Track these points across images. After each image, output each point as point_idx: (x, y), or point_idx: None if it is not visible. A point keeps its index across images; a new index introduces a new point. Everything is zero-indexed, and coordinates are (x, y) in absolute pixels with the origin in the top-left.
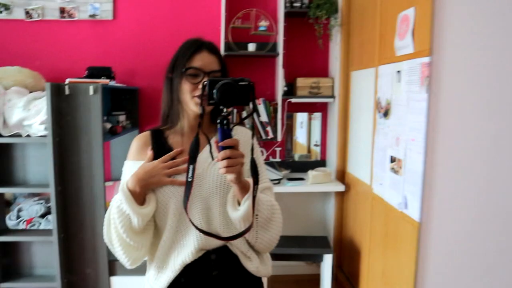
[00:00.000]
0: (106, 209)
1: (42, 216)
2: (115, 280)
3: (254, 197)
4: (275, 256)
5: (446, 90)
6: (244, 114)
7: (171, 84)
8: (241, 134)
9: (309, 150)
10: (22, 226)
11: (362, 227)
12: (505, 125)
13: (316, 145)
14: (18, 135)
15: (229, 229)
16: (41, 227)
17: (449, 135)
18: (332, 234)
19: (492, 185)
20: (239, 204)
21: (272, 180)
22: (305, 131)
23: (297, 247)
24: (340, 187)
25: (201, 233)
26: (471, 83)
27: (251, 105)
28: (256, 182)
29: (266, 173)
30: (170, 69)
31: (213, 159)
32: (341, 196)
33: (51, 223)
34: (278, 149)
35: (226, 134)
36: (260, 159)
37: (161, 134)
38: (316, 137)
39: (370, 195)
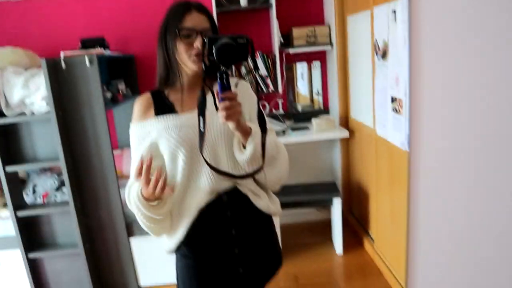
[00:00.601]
0: (117, 176)
1: (57, 189)
2: (135, 241)
3: (263, 144)
4: (287, 205)
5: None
6: (243, 70)
7: (166, 47)
8: (241, 87)
9: (311, 100)
10: (39, 200)
11: (368, 170)
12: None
13: (317, 94)
14: (22, 114)
15: (237, 171)
16: (57, 199)
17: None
18: (340, 179)
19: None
20: (244, 147)
21: (276, 131)
22: (306, 82)
23: (307, 194)
24: (345, 133)
25: (211, 176)
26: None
27: (250, 61)
28: (264, 131)
29: (266, 117)
30: (162, 33)
31: (217, 109)
32: (346, 142)
33: (66, 194)
34: (280, 101)
35: (225, 87)
36: (255, 105)
37: (161, 93)
38: (317, 86)
39: (374, 137)
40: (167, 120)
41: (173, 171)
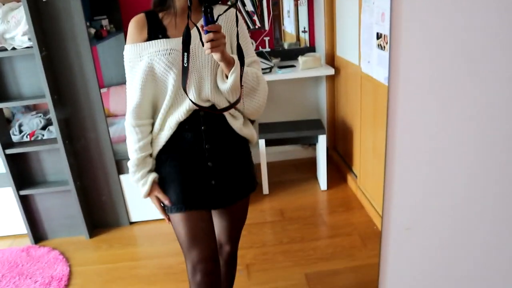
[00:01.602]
0: (105, 114)
1: (43, 128)
2: (124, 178)
3: (241, 77)
4: (273, 142)
5: None
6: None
7: None
8: (226, 15)
9: (298, 38)
10: (26, 139)
11: (353, 107)
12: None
13: (304, 32)
14: (3, 50)
15: (219, 98)
16: (44, 138)
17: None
18: (325, 116)
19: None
20: (227, 77)
21: (263, 69)
22: (292, 19)
23: (293, 131)
24: (330, 71)
25: (194, 97)
26: None
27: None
28: (242, 64)
29: (252, 48)
30: None
31: (203, 44)
32: (332, 80)
33: (53, 133)
34: (266, 38)
35: (209, 21)
36: (245, 35)
37: (156, 15)
38: (304, 23)
39: (359, 74)
40: (158, 44)
41: (161, 92)
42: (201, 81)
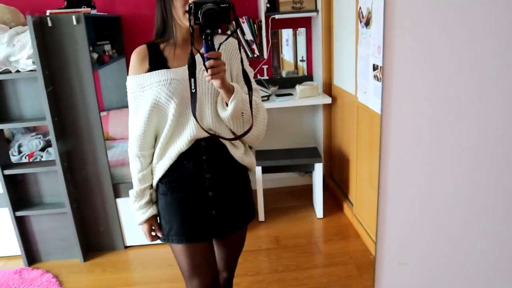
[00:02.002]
0: (104, 138)
1: (42, 149)
2: (121, 201)
3: (250, 101)
4: (269, 169)
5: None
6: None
7: (164, 2)
8: (228, 45)
9: (296, 66)
10: (24, 160)
11: (350, 135)
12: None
13: (302, 61)
14: (7, 72)
15: (219, 125)
16: (43, 159)
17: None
18: (322, 144)
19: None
20: (227, 105)
21: (261, 97)
22: (291, 48)
23: (290, 158)
24: (327, 100)
25: (195, 128)
26: None
27: (234, 25)
28: (250, 89)
29: (252, 76)
30: None
31: (207, 70)
32: (328, 108)
33: (52, 155)
34: (265, 67)
35: (210, 48)
36: (246, 63)
37: (157, 46)
38: (302, 52)
39: (355, 104)
40: (159, 75)
41: (162, 122)
42: (201, 110)
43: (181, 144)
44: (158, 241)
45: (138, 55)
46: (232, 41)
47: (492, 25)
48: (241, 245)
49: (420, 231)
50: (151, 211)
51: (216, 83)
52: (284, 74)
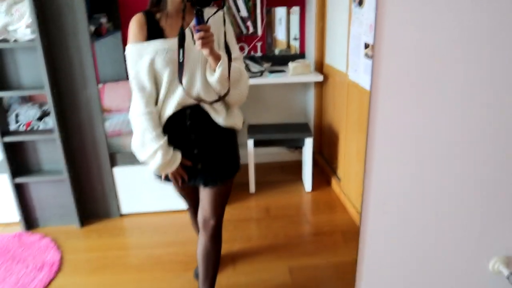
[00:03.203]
0: (102, 109)
1: (39, 119)
2: (117, 170)
3: (229, 69)
4: (261, 143)
5: None
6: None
7: None
8: (215, 17)
9: (288, 45)
10: (22, 129)
11: (340, 113)
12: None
13: (295, 39)
14: (5, 41)
15: (207, 92)
16: (40, 129)
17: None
18: (312, 121)
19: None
20: (214, 71)
21: (254, 72)
22: (284, 27)
23: (281, 133)
24: (319, 77)
25: (182, 93)
26: None
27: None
28: (229, 59)
29: (237, 46)
30: None
31: (194, 42)
32: (320, 86)
33: (48, 124)
34: (259, 43)
35: (201, 21)
36: (231, 35)
37: (153, 16)
38: (295, 31)
39: (346, 82)
40: (156, 44)
41: (159, 85)
42: (193, 75)
43: (170, 108)
44: (152, 209)
45: (137, 22)
46: (220, 14)
47: (485, 5)
48: (225, 196)
49: (403, 201)
50: (176, 159)
51: (205, 51)
52: (277, 52)
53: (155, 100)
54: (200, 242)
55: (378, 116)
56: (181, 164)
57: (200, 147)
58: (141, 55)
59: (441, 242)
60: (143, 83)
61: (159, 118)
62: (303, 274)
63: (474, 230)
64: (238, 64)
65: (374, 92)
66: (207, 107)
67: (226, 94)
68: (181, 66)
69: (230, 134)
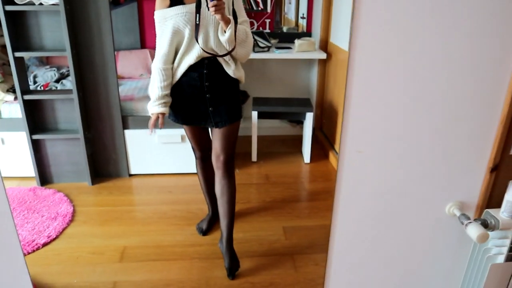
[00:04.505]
0: (117, 74)
1: (56, 81)
2: (128, 133)
3: (235, 30)
4: (265, 114)
5: None
6: None
7: None
8: None
9: (296, 24)
10: (40, 90)
11: (340, 90)
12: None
13: (303, 18)
14: (31, 4)
15: (220, 47)
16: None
17: None
18: (314, 97)
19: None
20: (225, 32)
21: (261, 47)
22: (293, 6)
23: (284, 106)
24: (323, 55)
25: (201, 48)
26: None
27: None
28: (236, 22)
29: (244, 11)
30: None
31: (208, 9)
32: (323, 63)
33: (66, 86)
34: (267, 20)
35: None
36: (240, 2)
37: None
38: (303, 10)
39: (347, 61)
40: (177, 9)
41: (180, 41)
42: (207, 35)
43: (190, 59)
44: (159, 171)
45: None
46: None
47: None
48: (233, 136)
49: (374, 147)
50: (164, 109)
51: (218, 16)
52: (285, 30)
53: (172, 59)
54: (216, 181)
55: (355, 77)
56: (192, 109)
57: (212, 93)
58: (165, 18)
59: (405, 187)
60: (165, 43)
61: (178, 69)
62: (296, 234)
63: (435, 180)
64: (245, 26)
65: (351, 56)
66: (220, 60)
67: (233, 49)
68: (197, 27)
69: (236, 85)
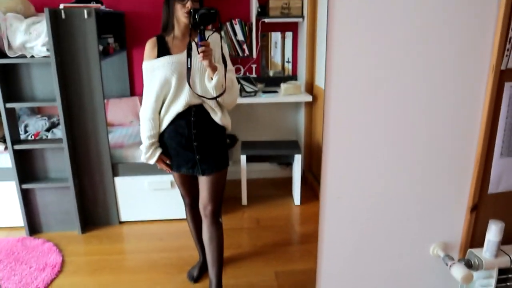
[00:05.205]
0: (106, 122)
1: (47, 130)
2: (118, 180)
3: (224, 75)
4: (253, 158)
5: None
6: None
7: (169, 5)
8: (213, 38)
9: (282, 67)
10: (30, 139)
11: None
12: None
13: (288, 62)
14: (22, 56)
15: (205, 93)
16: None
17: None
18: (302, 139)
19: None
20: (212, 79)
21: (248, 92)
22: (279, 50)
23: (272, 149)
24: (309, 98)
25: (189, 95)
26: None
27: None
28: (225, 67)
29: (230, 61)
30: None
31: (199, 53)
32: (310, 106)
33: (56, 135)
34: (254, 65)
35: (203, 38)
36: (227, 53)
37: (163, 38)
38: (288, 54)
39: None
40: (164, 59)
41: (167, 90)
42: (194, 81)
43: (178, 106)
44: (149, 218)
45: (150, 44)
46: (216, 35)
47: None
48: (220, 185)
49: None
50: (159, 151)
51: (205, 62)
52: (271, 74)
53: (160, 108)
54: (203, 229)
55: (331, 120)
56: (180, 157)
57: (199, 141)
58: (153, 69)
59: (388, 230)
60: (153, 92)
61: (166, 117)
62: (289, 278)
63: (417, 222)
64: (231, 75)
65: (327, 93)
66: (207, 108)
67: (221, 94)
68: (188, 70)
69: (223, 132)
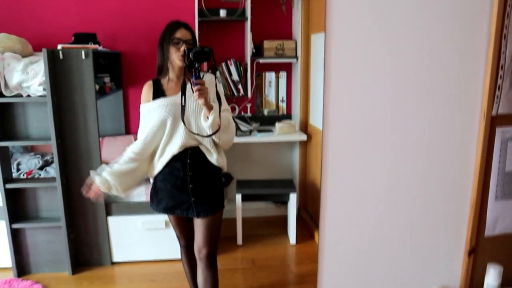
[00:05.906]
0: (101, 160)
1: (40, 168)
2: (112, 219)
3: (219, 113)
4: (249, 197)
5: None
6: (218, 73)
7: (163, 49)
8: (208, 78)
9: (277, 106)
10: (22, 177)
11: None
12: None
13: (282, 101)
14: (19, 96)
15: (201, 133)
16: (41, 177)
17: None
18: (297, 178)
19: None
20: (207, 118)
21: (243, 131)
22: (273, 89)
23: (267, 188)
24: (303, 137)
25: (184, 136)
26: None
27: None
28: (220, 104)
29: (225, 100)
30: (161, 40)
31: (193, 91)
32: (304, 145)
33: (49, 174)
34: (249, 105)
35: (198, 77)
36: (221, 90)
37: (159, 82)
38: (283, 94)
39: None
40: (159, 101)
41: (163, 131)
42: (189, 121)
43: (174, 148)
44: (141, 258)
45: (146, 87)
46: (211, 75)
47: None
48: (215, 228)
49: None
50: (102, 183)
51: (201, 101)
52: (266, 113)
53: (149, 151)
54: (198, 272)
55: (329, 165)
56: (174, 199)
57: (195, 183)
58: (149, 111)
59: (388, 274)
60: (148, 130)
61: (161, 159)
62: None
63: (416, 265)
64: (227, 114)
65: (325, 135)
66: (203, 149)
67: (216, 131)
68: (183, 108)
69: (218, 174)
